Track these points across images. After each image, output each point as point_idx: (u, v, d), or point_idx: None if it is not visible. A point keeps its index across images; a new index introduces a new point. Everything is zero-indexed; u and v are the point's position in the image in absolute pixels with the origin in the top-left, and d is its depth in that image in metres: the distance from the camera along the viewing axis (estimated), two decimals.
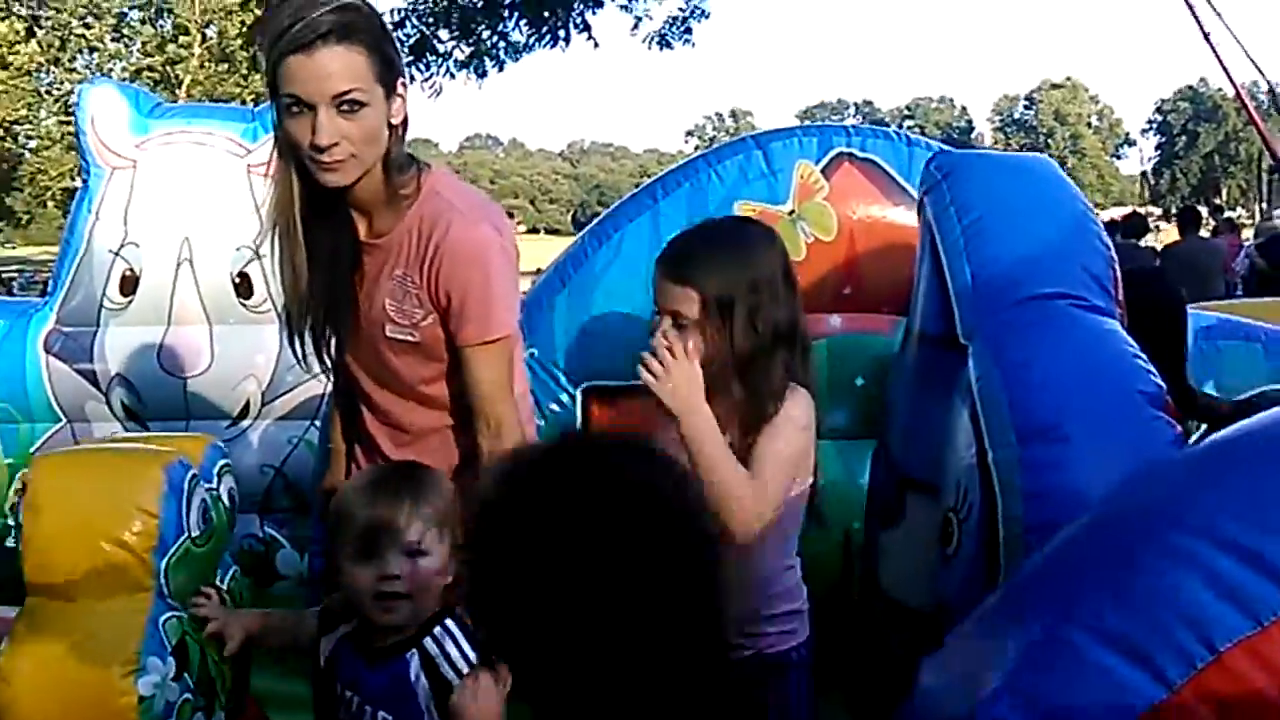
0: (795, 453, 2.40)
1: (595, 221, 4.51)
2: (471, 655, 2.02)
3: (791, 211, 4.35)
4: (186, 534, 2.13)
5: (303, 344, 2.58)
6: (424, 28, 14.78)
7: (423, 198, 2.44)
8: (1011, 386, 2.47)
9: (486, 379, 2.44)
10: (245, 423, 5.03)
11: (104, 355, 5.03)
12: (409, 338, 2.48)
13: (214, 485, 2.25)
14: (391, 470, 2.25)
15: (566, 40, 14.71)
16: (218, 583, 2.35)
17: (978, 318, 2.71)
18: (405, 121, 2.43)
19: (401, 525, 2.04)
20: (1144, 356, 2.56)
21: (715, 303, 2.34)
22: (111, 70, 32.33)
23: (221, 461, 2.30)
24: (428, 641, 2.06)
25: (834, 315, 4.43)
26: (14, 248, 44.67)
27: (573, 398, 4.22)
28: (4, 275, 23.92)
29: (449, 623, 2.08)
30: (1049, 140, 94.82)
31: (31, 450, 4.94)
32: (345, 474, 2.73)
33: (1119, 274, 2.79)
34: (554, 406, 4.23)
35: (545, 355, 4.26)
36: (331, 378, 2.77)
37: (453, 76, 15.01)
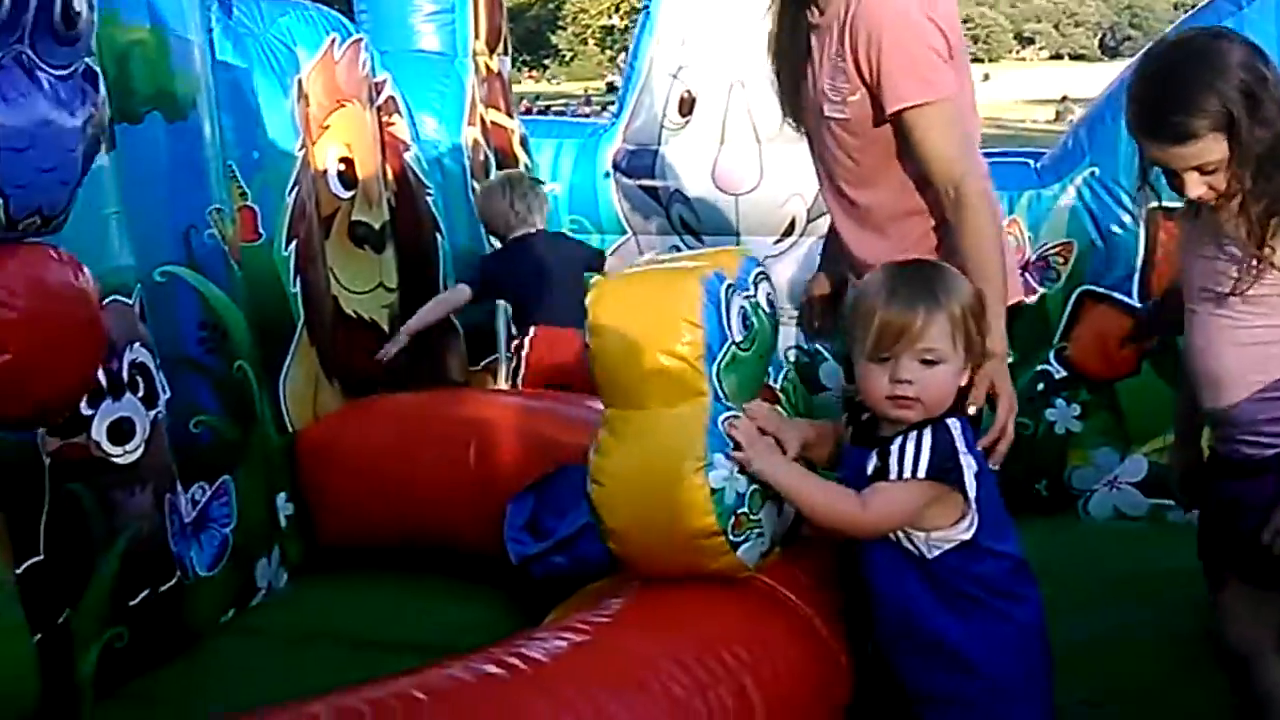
0: None
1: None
2: (924, 464, 2.00)
3: None
4: (730, 340, 2.21)
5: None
6: None
7: None
8: None
9: (929, 144, 2.38)
10: (790, 239, 5.20)
11: (664, 172, 5.35)
12: (840, 114, 2.49)
13: (751, 293, 2.31)
14: (913, 271, 2.13)
15: None
16: (771, 383, 2.44)
17: None
18: None
19: (917, 331, 2.00)
20: None
21: (1223, 127, 2.12)
22: None
23: (756, 270, 2.36)
24: (908, 434, 2.03)
25: None
26: (559, 83, 48.06)
27: (1135, 219, 4.01)
28: (552, 109, 25.80)
29: (927, 431, 2.03)
30: None
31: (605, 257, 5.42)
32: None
33: None
34: (1114, 228, 4.05)
35: (1107, 174, 4.06)
36: None
37: None
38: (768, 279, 2.38)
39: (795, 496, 2.15)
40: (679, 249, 5.17)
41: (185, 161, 3.16)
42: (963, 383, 2.08)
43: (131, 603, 2.92)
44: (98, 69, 2.09)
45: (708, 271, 2.23)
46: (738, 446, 2.14)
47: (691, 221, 5.31)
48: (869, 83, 2.42)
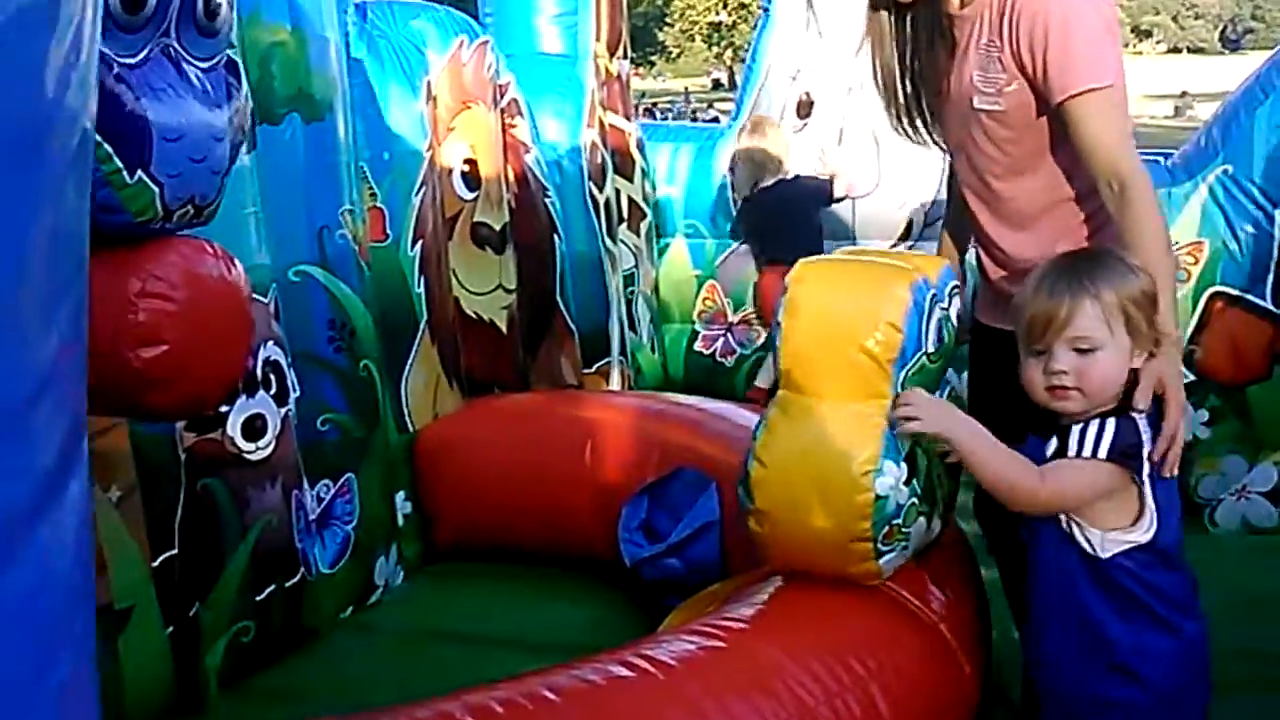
0: None
1: None
2: (1105, 446, 1.95)
3: None
4: (923, 350, 2.20)
5: (911, 127, 2.61)
6: None
7: None
8: None
9: (1092, 133, 2.28)
10: (907, 243, 5.15)
11: None
12: (994, 106, 2.39)
13: (946, 305, 2.29)
14: (1068, 261, 2.11)
15: None
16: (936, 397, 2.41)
17: None
18: None
19: (1063, 319, 1.98)
20: None
21: None
22: None
23: (952, 283, 2.34)
24: (1090, 420, 1.99)
25: None
26: (664, 80, 48.12)
27: (1270, 219, 3.90)
28: (658, 106, 25.83)
29: (1111, 419, 1.98)
30: None
31: (715, 263, 5.43)
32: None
33: None
34: (1247, 228, 3.94)
35: (1241, 172, 3.95)
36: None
37: None
38: (960, 292, 2.37)
39: (974, 457, 2.08)
40: None
41: (321, 163, 3.22)
42: (1137, 367, 2.03)
43: (258, 598, 2.99)
44: (239, 61, 2.14)
45: (917, 277, 2.21)
46: (903, 419, 2.10)
47: None
48: (1029, 71, 2.33)
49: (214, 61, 1.98)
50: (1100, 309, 1.99)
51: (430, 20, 3.81)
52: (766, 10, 5.49)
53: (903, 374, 2.16)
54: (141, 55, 1.81)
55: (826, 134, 5.22)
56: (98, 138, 1.71)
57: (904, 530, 2.17)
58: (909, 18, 2.50)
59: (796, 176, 5.04)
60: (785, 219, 4.93)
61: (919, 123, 2.60)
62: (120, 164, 1.76)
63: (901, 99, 2.57)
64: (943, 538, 2.48)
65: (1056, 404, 2.02)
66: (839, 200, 5.09)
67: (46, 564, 0.88)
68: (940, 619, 2.30)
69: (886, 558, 2.17)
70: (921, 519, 2.21)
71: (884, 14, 2.50)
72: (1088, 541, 2.03)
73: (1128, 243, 2.27)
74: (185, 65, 1.90)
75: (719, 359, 5.35)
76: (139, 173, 1.78)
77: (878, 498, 2.10)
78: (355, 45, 3.50)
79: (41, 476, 0.88)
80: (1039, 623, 2.15)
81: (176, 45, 1.89)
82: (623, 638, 2.38)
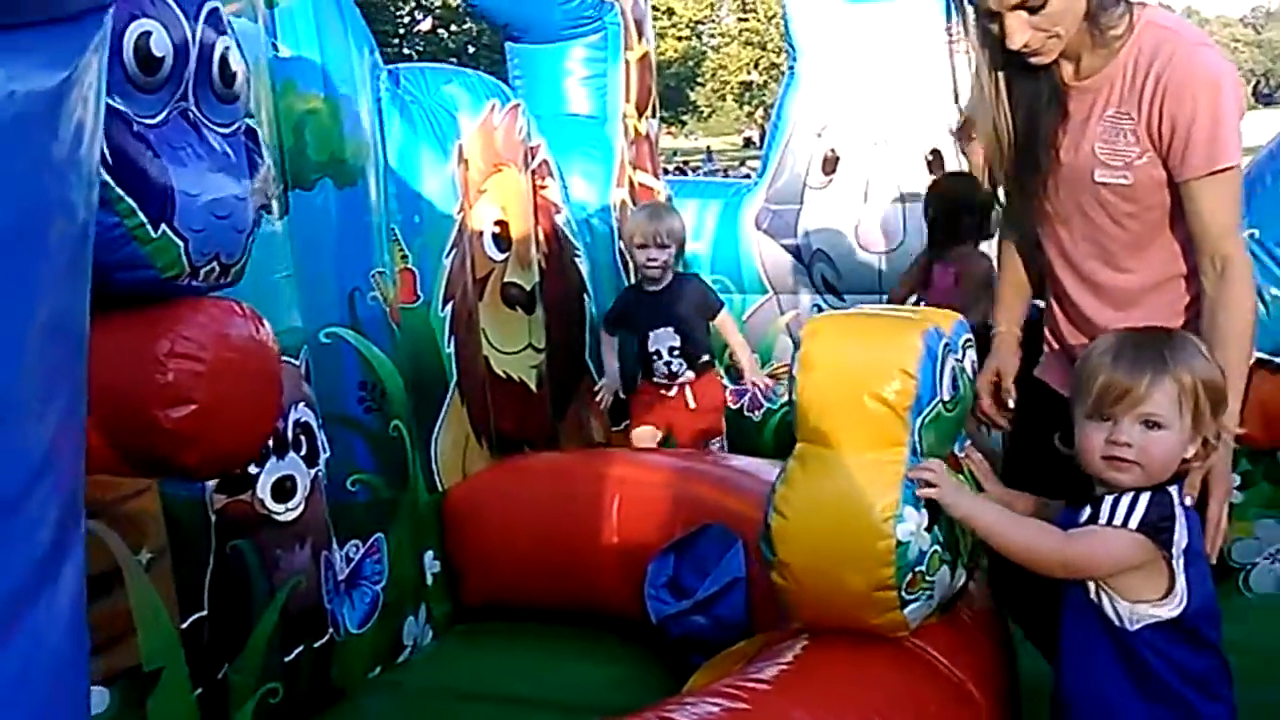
0: None
1: None
2: (1136, 517, 1.95)
3: None
4: (938, 397, 2.20)
5: (1008, 198, 2.57)
6: None
7: (1138, 32, 2.30)
8: None
9: (1210, 212, 2.27)
10: None
11: (806, 231, 5.35)
12: (1120, 180, 2.34)
13: (960, 356, 2.31)
14: (1142, 335, 2.10)
15: None
16: (955, 450, 2.41)
17: None
18: None
19: (1141, 394, 1.97)
20: None
21: None
22: None
23: (965, 335, 2.35)
24: (1123, 494, 1.99)
25: None
26: (696, 139, 48.45)
27: None
28: (691, 164, 25.99)
29: (1146, 493, 1.98)
30: None
31: (743, 318, 5.42)
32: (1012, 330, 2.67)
33: None
34: (1274, 291, 3.91)
35: (1268, 236, 3.92)
36: (1015, 231, 2.68)
37: None
38: (974, 345, 2.38)
39: (991, 532, 2.11)
40: (820, 309, 5.16)
41: (352, 226, 3.27)
42: (1188, 455, 2.02)
43: (287, 659, 3.00)
44: (258, 128, 2.18)
45: (928, 326, 2.24)
46: (928, 485, 2.12)
47: (833, 281, 5.30)
48: (1166, 143, 2.28)
49: (233, 127, 2.02)
50: (1177, 390, 1.99)
51: (462, 85, 3.86)
52: (792, 68, 5.53)
53: (919, 422, 2.17)
54: (161, 116, 1.84)
55: (852, 190, 5.23)
56: (120, 193, 1.75)
57: (928, 579, 2.17)
58: (1022, 83, 2.42)
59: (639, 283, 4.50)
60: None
61: (1019, 188, 2.54)
62: (144, 218, 1.78)
63: (1009, 164, 2.50)
64: (971, 596, 2.46)
65: (1110, 474, 2.00)
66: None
67: (37, 648, 0.89)
68: (969, 678, 2.27)
69: (911, 607, 2.17)
70: (945, 567, 2.21)
71: (999, 74, 2.43)
72: (1116, 613, 2.01)
73: (1216, 323, 2.25)
74: (205, 129, 1.94)
75: (746, 414, 5.33)
76: (163, 227, 1.80)
77: (899, 544, 2.10)
78: (388, 110, 3.55)
79: (35, 564, 0.89)
80: (1061, 688, 2.13)
81: (195, 110, 1.93)
82: (649, 697, 2.38)
